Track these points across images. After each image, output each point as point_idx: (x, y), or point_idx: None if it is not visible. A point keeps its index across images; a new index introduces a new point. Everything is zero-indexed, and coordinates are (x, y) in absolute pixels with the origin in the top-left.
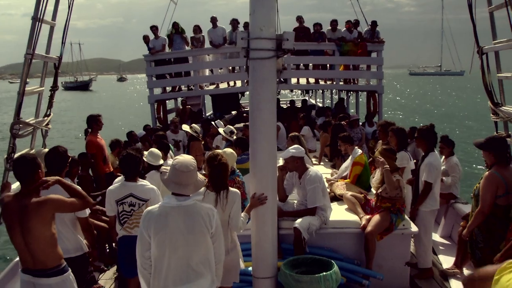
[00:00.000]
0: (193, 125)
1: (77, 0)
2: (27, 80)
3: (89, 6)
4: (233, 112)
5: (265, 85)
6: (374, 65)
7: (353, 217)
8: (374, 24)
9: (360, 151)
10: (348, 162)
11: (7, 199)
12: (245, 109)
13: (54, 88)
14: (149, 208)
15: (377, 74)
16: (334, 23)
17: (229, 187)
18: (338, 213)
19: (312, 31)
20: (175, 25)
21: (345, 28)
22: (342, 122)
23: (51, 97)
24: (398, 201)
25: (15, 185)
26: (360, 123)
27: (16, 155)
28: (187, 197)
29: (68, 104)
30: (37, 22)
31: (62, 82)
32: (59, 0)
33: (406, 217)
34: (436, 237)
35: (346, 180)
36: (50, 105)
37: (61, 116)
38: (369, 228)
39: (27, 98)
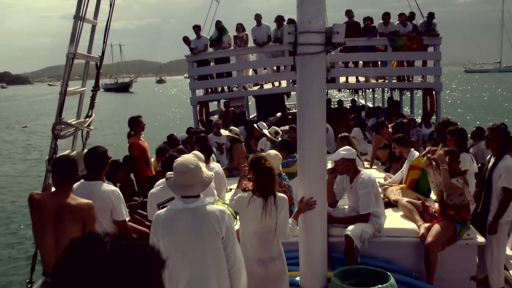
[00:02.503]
0: (232, 127)
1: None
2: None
3: (126, 7)
4: (278, 114)
5: (313, 82)
6: (431, 60)
7: (410, 225)
8: (430, 16)
9: (417, 153)
10: (404, 166)
11: (41, 197)
12: (290, 111)
13: (95, 88)
14: (158, 211)
15: (435, 70)
16: (386, 16)
17: (277, 192)
18: (393, 220)
19: (362, 25)
20: (218, 24)
21: (398, 21)
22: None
23: (93, 98)
24: (463, 209)
25: None
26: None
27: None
28: (195, 198)
29: (110, 106)
30: (79, 21)
31: (102, 84)
32: None
33: (471, 226)
34: (506, 250)
35: (401, 185)
36: (91, 106)
37: (108, 117)
38: (430, 239)
39: (68, 100)
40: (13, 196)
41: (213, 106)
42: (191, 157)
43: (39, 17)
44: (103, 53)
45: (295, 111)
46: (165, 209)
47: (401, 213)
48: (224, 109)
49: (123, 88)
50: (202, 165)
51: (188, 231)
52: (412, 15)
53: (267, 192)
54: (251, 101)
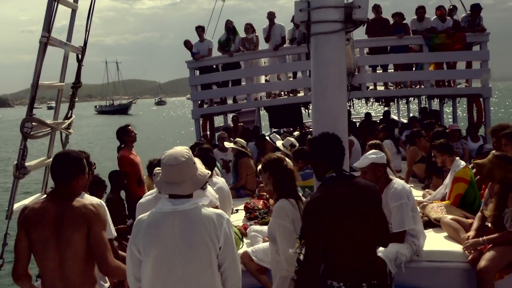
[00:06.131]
0: (238, 139)
1: (106, 14)
2: (51, 104)
3: (120, 20)
4: (296, 133)
5: (331, 67)
6: (477, 61)
7: (456, 247)
8: (475, 8)
9: (463, 163)
10: (447, 179)
11: (37, 205)
12: (310, 130)
13: (76, 84)
14: (140, 216)
15: (482, 72)
16: (420, 10)
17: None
18: (435, 241)
19: (392, 22)
20: (229, 23)
21: (435, 16)
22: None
23: (73, 96)
24: None
25: (29, 200)
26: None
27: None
28: (185, 199)
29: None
30: (54, 1)
31: (96, 106)
32: None
33: None
34: None
35: (445, 202)
36: (71, 106)
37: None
38: (483, 263)
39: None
40: None
41: (219, 120)
42: (183, 149)
43: (20, 31)
44: (85, 43)
45: None
46: (148, 212)
47: (445, 233)
48: (232, 125)
49: (121, 110)
50: (198, 162)
51: (177, 239)
52: (454, 9)
53: (296, 196)
54: (265, 119)
